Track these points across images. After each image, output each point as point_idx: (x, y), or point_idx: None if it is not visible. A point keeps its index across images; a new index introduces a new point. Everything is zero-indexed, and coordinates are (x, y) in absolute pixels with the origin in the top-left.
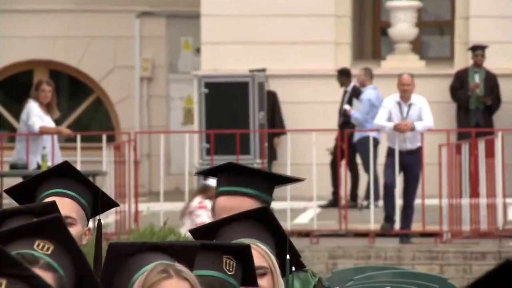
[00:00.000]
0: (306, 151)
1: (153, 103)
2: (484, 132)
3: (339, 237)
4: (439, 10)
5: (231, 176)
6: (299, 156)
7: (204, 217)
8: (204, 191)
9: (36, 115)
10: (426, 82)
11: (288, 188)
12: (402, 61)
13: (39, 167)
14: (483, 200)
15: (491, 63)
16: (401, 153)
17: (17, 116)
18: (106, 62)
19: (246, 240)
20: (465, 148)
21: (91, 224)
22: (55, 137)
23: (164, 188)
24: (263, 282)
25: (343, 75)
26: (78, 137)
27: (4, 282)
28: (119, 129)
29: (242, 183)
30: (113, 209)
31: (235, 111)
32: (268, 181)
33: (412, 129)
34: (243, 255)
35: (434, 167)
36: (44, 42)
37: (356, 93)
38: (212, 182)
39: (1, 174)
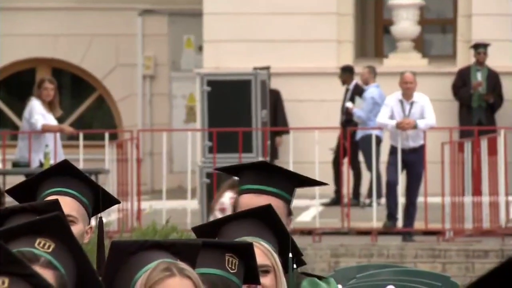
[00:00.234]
0: (309, 149)
1: (155, 101)
2: (486, 130)
3: (342, 235)
4: (441, 8)
5: (260, 175)
6: (302, 154)
7: None
8: (235, 186)
9: (38, 113)
10: (428, 80)
11: None
12: (404, 59)
13: (41, 165)
14: (485, 198)
15: (494, 61)
16: (404, 151)
17: (19, 114)
18: (108, 60)
19: (248, 238)
20: (467, 146)
21: (93, 222)
22: (58, 135)
23: (167, 186)
24: (266, 280)
25: (347, 72)
26: (81, 135)
27: (6, 280)
28: (121, 127)
29: (270, 183)
30: (115, 207)
31: (237, 109)
32: (293, 182)
33: (415, 127)
34: (246, 253)
35: (437, 165)
36: (46, 40)
37: (358, 91)
38: None
39: (3, 172)
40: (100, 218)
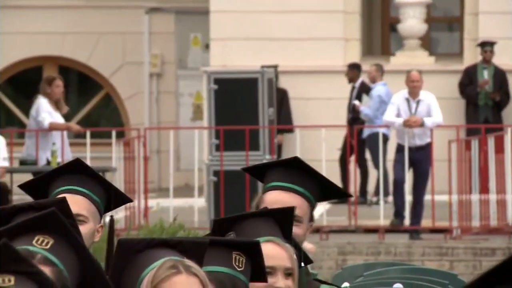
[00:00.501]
0: (315, 147)
1: (162, 99)
2: (493, 128)
3: (349, 233)
4: (448, 6)
5: (291, 172)
6: (309, 152)
7: None
8: None
9: (45, 111)
10: (435, 78)
11: None
12: (411, 57)
13: (48, 163)
14: (493, 196)
15: (500, 59)
16: (411, 149)
17: (26, 112)
18: (115, 58)
19: (275, 239)
20: (474, 144)
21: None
22: (65, 133)
23: (174, 184)
24: (289, 282)
25: (354, 69)
26: (88, 133)
27: (12, 278)
28: (128, 125)
29: (300, 182)
30: (123, 205)
31: (244, 107)
32: (321, 187)
33: (422, 125)
34: (253, 251)
35: (444, 163)
36: (53, 38)
37: (364, 89)
38: None
39: (10, 170)
40: (112, 217)
